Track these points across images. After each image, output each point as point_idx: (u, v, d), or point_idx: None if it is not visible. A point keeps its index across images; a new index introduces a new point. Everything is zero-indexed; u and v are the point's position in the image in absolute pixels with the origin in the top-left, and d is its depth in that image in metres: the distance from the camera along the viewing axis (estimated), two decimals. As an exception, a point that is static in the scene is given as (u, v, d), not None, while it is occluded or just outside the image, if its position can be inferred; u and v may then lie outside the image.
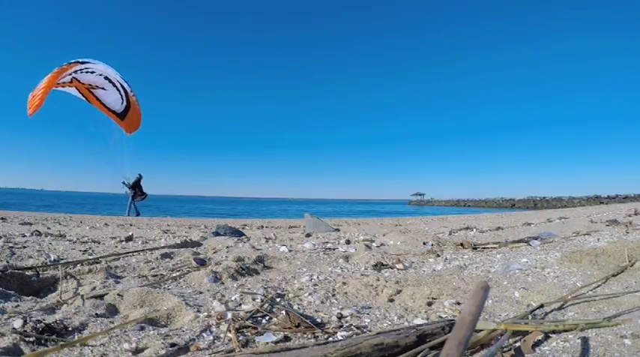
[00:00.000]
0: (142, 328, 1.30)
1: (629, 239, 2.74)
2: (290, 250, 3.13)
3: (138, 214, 12.04)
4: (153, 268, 2.40)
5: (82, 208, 20.42)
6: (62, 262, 2.39)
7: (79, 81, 8.68)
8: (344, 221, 9.45)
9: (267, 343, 1.21)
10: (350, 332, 1.31)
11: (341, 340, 1.10)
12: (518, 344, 1.16)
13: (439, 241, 3.45)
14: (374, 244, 3.57)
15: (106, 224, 6.70)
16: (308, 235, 4.59)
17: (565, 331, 1.23)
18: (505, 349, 1.12)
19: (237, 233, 4.67)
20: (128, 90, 9.48)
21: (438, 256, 2.87)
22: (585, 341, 1.15)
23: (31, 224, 5.91)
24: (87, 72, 8.64)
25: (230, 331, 1.28)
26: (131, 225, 6.76)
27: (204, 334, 1.28)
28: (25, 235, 3.97)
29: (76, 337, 1.23)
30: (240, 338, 1.24)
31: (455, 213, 18.20)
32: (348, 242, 3.68)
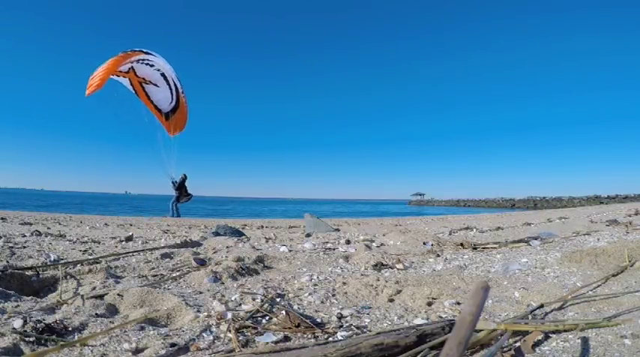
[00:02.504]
0: (142, 328, 1.30)
1: (629, 239, 2.74)
2: (290, 250, 3.13)
3: (178, 215, 11.82)
4: (153, 268, 2.40)
5: (82, 208, 20.42)
6: (62, 262, 2.39)
7: (135, 72, 8.63)
8: (344, 221, 9.45)
9: (267, 343, 1.21)
10: (350, 332, 1.31)
11: (341, 340, 1.10)
12: (518, 344, 1.16)
13: (439, 241, 3.45)
14: (374, 244, 3.57)
15: (106, 224, 6.70)
16: (308, 235, 4.59)
17: (565, 331, 1.23)
18: (505, 349, 1.12)
19: (237, 233, 4.67)
20: (180, 90, 9.39)
21: (438, 256, 2.87)
22: (585, 341, 1.15)
23: (31, 224, 5.91)
24: (146, 64, 8.60)
25: (230, 331, 1.28)
26: (131, 225, 6.76)
27: (204, 334, 1.28)
28: (25, 235, 3.97)
29: (76, 337, 1.23)
30: (240, 338, 1.24)
31: (455, 213, 18.20)
32: (348, 242, 3.68)
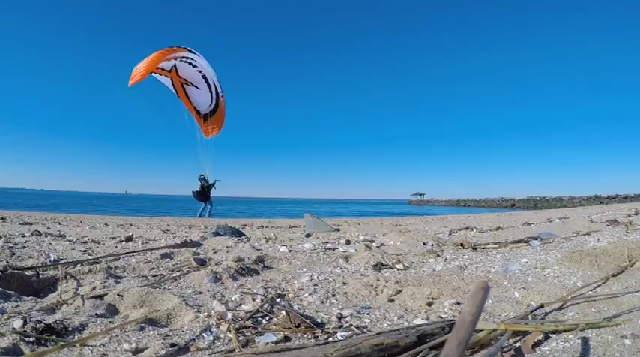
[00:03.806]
0: (142, 328, 1.30)
1: (629, 239, 2.74)
2: (290, 250, 3.13)
3: (209, 216, 11.86)
4: (153, 268, 2.40)
5: (82, 208, 20.42)
6: (62, 262, 2.39)
7: (177, 72, 8.67)
8: (344, 221, 9.45)
9: (267, 343, 1.21)
10: (350, 332, 1.31)
11: (341, 340, 1.10)
12: (518, 344, 1.16)
13: (439, 241, 3.45)
14: (374, 244, 3.57)
15: (106, 224, 6.70)
16: (308, 235, 4.59)
17: (565, 331, 1.23)
18: (505, 349, 1.12)
19: (237, 233, 4.67)
20: (220, 93, 9.45)
21: (438, 256, 2.87)
22: (585, 341, 1.15)
23: (31, 224, 5.91)
24: (189, 63, 8.65)
25: (230, 331, 1.28)
26: (131, 225, 6.76)
27: (204, 334, 1.28)
28: (25, 235, 3.97)
29: (76, 337, 1.23)
30: (240, 338, 1.24)
31: (455, 213, 18.19)
32: (348, 242, 3.68)
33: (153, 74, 8.19)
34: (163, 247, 3.22)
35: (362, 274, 2.24)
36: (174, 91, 9.07)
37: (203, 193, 11.88)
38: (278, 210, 30.54)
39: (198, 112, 9.50)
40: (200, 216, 11.72)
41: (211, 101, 9.44)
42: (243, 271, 2.27)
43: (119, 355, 1.11)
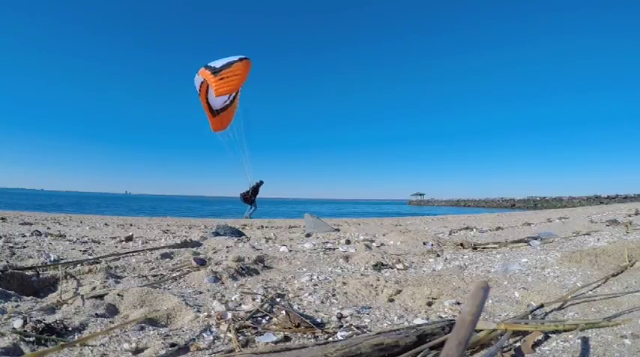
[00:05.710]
0: (142, 328, 1.30)
1: (629, 239, 2.74)
2: (290, 250, 3.13)
3: (250, 216, 12.18)
4: (153, 268, 2.40)
5: (82, 208, 20.42)
6: (62, 262, 2.39)
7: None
8: (344, 221, 9.45)
9: (267, 343, 1.21)
10: (350, 332, 1.31)
11: (341, 340, 1.11)
12: (518, 344, 1.16)
13: (439, 241, 3.45)
14: (374, 244, 3.57)
15: (106, 224, 6.70)
16: (308, 235, 4.59)
17: (565, 331, 1.23)
18: (505, 349, 1.12)
19: (237, 233, 4.67)
20: (239, 92, 9.69)
21: (438, 256, 2.87)
22: (585, 341, 1.15)
23: (31, 224, 5.91)
24: None
25: (230, 331, 1.28)
26: (131, 225, 6.76)
27: (204, 334, 1.28)
28: (25, 235, 3.97)
29: (76, 337, 1.23)
30: (240, 338, 1.24)
31: (455, 213, 18.19)
32: (348, 242, 3.68)
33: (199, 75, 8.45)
34: (163, 247, 3.22)
35: (362, 274, 2.24)
36: (198, 89, 9.26)
37: (248, 196, 12.41)
38: (278, 210, 30.52)
39: (210, 107, 9.66)
40: (249, 216, 12.12)
41: (227, 100, 9.65)
42: (243, 271, 2.27)
43: (119, 355, 1.11)
